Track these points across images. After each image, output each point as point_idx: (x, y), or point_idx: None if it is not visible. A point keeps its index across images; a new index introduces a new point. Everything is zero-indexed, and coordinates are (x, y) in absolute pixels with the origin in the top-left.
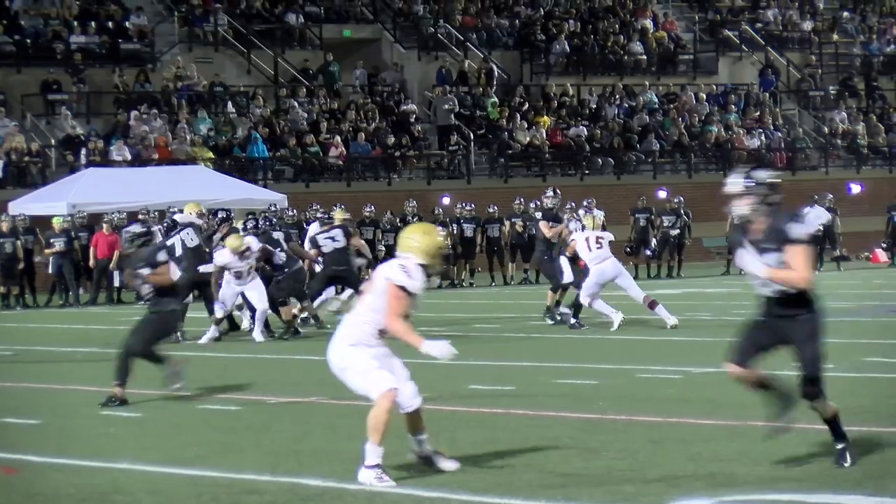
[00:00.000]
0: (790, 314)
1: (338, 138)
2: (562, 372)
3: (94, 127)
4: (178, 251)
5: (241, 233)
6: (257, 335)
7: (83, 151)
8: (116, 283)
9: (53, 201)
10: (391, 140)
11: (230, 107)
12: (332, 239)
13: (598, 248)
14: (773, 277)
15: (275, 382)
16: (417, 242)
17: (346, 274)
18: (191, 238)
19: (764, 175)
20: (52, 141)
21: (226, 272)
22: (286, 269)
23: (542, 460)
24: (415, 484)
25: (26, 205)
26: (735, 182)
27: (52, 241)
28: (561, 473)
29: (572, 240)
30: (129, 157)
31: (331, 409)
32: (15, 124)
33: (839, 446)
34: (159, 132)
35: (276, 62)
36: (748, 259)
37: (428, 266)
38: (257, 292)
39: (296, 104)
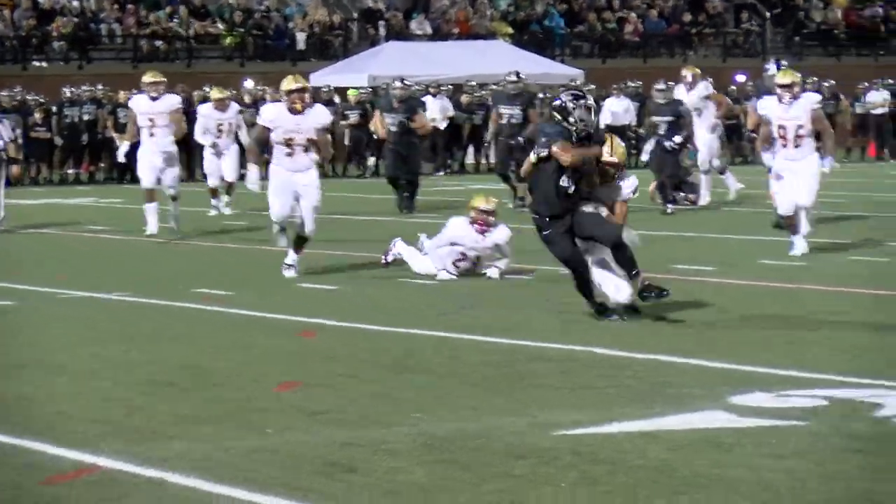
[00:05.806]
0: None
1: (633, 15)
2: None
3: (393, 1)
4: None
5: None
6: None
7: (383, 25)
8: None
9: (354, 73)
10: (687, 17)
11: None
12: None
13: None
14: None
15: None
16: None
17: None
18: None
19: None
20: (354, 14)
21: None
22: None
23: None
24: None
25: (327, 77)
26: None
27: (346, 112)
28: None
29: None
30: (429, 31)
31: None
32: None
33: None
34: (459, 6)
35: None
36: None
37: None
38: None
39: None
